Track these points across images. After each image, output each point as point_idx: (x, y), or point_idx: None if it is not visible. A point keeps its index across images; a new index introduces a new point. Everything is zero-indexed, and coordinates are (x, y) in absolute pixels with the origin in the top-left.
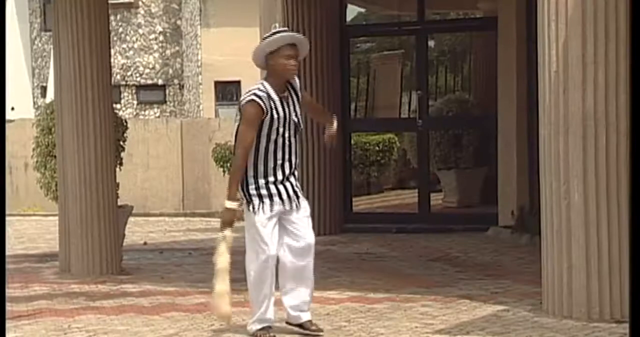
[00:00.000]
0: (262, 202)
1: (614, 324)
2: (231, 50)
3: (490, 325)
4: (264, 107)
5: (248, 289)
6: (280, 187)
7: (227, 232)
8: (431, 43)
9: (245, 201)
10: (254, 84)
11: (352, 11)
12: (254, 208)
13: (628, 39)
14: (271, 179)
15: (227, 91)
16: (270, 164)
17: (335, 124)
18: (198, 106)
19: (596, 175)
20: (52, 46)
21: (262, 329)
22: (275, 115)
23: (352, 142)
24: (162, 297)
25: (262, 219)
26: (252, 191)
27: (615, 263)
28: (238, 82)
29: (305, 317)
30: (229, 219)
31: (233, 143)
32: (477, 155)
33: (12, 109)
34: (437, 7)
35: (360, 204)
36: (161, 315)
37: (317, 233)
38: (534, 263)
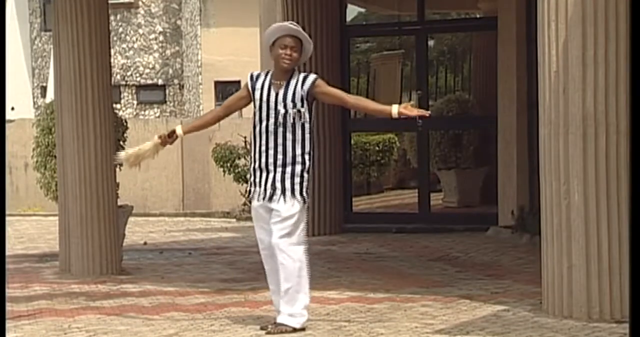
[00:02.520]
0: (252, 190)
1: (614, 324)
2: (231, 50)
3: (490, 325)
4: (249, 85)
5: None
6: (263, 176)
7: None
8: (431, 43)
9: None
10: None
11: (352, 11)
12: (251, 194)
13: (628, 39)
14: (256, 165)
15: (227, 91)
16: (255, 149)
17: (403, 105)
18: (198, 106)
19: (596, 175)
20: (52, 46)
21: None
22: (257, 96)
23: (352, 142)
24: (162, 297)
25: (253, 208)
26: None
27: (615, 263)
28: (238, 82)
29: (278, 318)
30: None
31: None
32: (477, 155)
33: (12, 109)
34: (437, 7)
35: (360, 204)
36: (161, 315)
37: (317, 233)
38: (534, 263)
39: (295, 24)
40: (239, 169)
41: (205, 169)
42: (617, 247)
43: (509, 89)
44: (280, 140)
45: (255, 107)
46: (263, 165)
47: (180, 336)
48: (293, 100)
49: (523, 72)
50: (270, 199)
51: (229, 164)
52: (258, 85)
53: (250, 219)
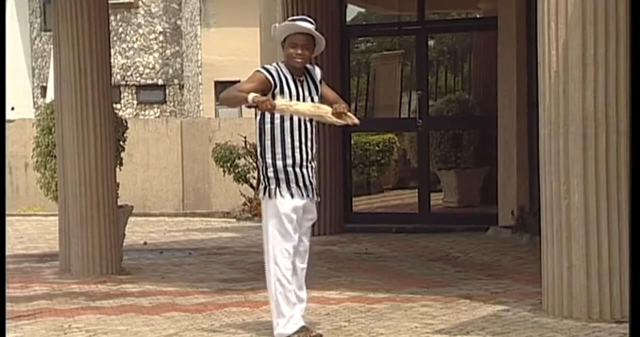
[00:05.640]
0: (280, 187)
1: (614, 324)
2: (231, 50)
3: (490, 325)
4: (269, 77)
5: (273, 286)
6: (298, 172)
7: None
8: (431, 43)
9: (264, 187)
10: None
11: (352, 11)
12: (275, 194)
13: (628, 40)
14: (289, 161)
15: None
16: (288, 145)
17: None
18: (198, 106)
19: (596, 175)
20: (52, 46)
21: (302, 329)
22: (286, 90)
23: (352, 142)
24: (162, 297)
25: (288, 206)
26: (270, 174)
27: (615, 263)
28: (238, 82)
29: (303, 321)
30: (259, 100)
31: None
32: (477, 155)
33: (12, 109)
34: (437, 7)
35: (360, 204)
36: (161, 315)
37: (317, 233)
38: (534, 263)
39: (307, 19)
40: (239, 169)
41: (205, 169)
42: (617, 247)
43: (509, 89)
44: (309, 136)
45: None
46: (297, 161)
47: (180, 336)
48: (317, 94)
49: (523, 72)
50: (310, 196)
51: (229, 164)
52: (283, 79)
53: (250, 219)
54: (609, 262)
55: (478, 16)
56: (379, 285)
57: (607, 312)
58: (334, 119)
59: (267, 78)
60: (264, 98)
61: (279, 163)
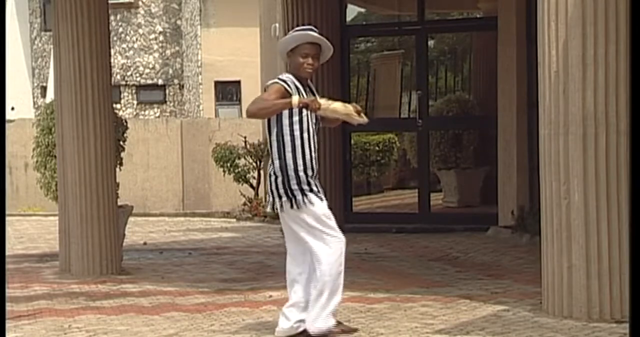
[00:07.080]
0: (306, 195)
1: (614, 324)
2: (231, 50)
3: (490, 325)
4: (287, 87)
5: (323, 285)
6: (315, 182)
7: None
8: (431, 43)
9: (288, 200)
10: (253, 84)
11: (352, 11)
12: (305, 202)
13: (628, 40)
14: (310, 172)
15: (227, 91)
16: (307, 156)
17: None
18: (198, 106)
19: (596, 175)
20: (52, 46)
21: (340, 323)
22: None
23: (352, 142)
24: (162, 297)
25: (323, 209)
26: (294, 186)
27: (615, 263)
28: (238, 82)
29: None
30: (307, 100)
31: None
32: (477, 155)
33: (12, 109)
34: (437, 7)
35: (360, 204)
36: (161, 315)
37: None
38: (534, 263)
39: (314, 29)
40: (239, 169)
41: (205, 169)
42: (617, 247)
43: (509, 89)
44: (316, 146)
45: (299, 114)
46: (315, 172)
47: (180, 336)
48: None
49: (523, 72)
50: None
51: (229, 164)
52: (298, 90)
53: (250, 219)
54: (609, 262)
55: (478, 16)
56: (379, 285)
57: (607, 312)
58: (358, 118)
59: (285, 89)
60: (312, 98)
61: (302, 175)
